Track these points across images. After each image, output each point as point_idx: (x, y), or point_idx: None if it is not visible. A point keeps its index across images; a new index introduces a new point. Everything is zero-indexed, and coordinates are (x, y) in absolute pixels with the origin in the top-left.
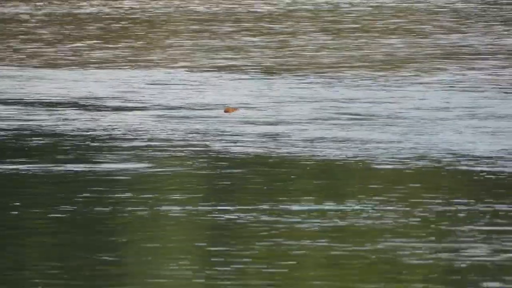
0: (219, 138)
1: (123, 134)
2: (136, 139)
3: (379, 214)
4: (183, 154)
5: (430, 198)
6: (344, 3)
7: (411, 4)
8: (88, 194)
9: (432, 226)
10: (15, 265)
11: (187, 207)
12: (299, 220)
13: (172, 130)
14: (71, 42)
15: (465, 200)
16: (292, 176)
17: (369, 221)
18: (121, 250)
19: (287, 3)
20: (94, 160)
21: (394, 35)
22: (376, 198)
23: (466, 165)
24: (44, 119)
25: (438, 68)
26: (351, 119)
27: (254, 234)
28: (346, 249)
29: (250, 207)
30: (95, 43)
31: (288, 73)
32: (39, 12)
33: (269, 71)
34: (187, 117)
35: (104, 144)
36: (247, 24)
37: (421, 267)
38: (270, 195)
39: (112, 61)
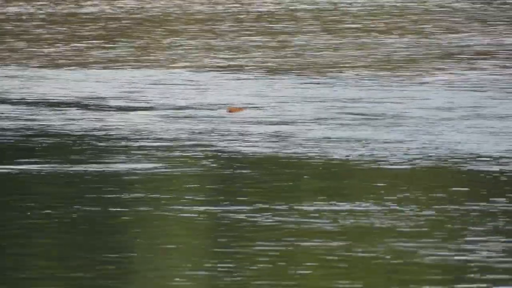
0: (226, 138)
1: (130, 134)
2: (143, 139)
3: (391, 215)
4: (191, 154)
5: (441, 198)
6: (345, 2)
7: (411, 4)
8: (98, 195)
9: (445, 226)
10: (19, 266)
11: (198, 208)
12: (312, 220)
13: (178, 130)
14: (72, 41)
15: (476, 201)
16: (305, 177)
17: (381, 221)
18: (130, 250)
19: (288, 2)
20: (103, 160)
21: (394, 35)
22: (387, 198)
23: (473, 165)
24: (49, 119)
25: (439, 68)
26: (356, 119)
27: (266, 235)
28: (359, 249)
29: (262, 207)
30: (96, 42)
31: (290, 72)
32: (40, 12)
33: (271, 71)
34: (192, 117)
35: (111, 144)
36: (248, 23)
37: (434, 268)
38: (282, 195)
39: (114, 61)
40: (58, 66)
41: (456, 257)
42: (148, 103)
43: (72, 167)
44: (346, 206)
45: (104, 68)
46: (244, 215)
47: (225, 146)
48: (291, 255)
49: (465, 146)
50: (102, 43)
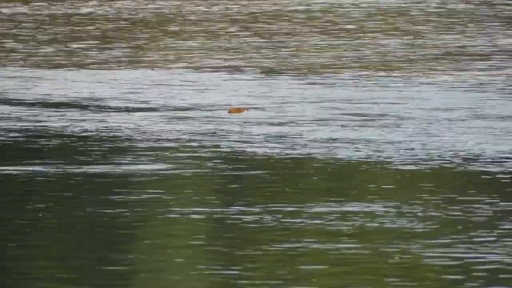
0: (229, 139)
1: (132, 135)
2: (146, 140)
3: (400, 216)
4: (197, 155)
5: (450, 199)
6: (340, 3)
7: (407, 5)
8: (104, 196)
9: (453, 227)
10: (20, 267)
11: (205, 209)
12: (322, 221)
13: (181, 131)
14: (70, 42)
15: (483, 202)
16: (314, 178)
17: (391, 222)
18: (136, 252)
19: (283, 3)
20: (107, 161)
21: (390, 36)
22: (395, 199)
23: (477, 166)
24: (50, 120)
25: (435, 69)
26: (357, 119)
27: (275, 237)
28: (369, 250)
29: (271, 209)
30: (93, 43)
31: (287, 73)
32: (38, 12)
33: (268, 72)
34: (194, 118)
35: (115, 146)
36: (244, 24)
37: (444, 269)
38: (289, 197)
39: (111, 61)
40: (55, 66)
41: (465, 259)
42: (148, 103)
43: (77, 168)
44: (354, 207)
45: (102, 68)
46: (252, 216)
47: (230, 147)
48: (300, 256)
49: (467, 147)
50: (99, 44)
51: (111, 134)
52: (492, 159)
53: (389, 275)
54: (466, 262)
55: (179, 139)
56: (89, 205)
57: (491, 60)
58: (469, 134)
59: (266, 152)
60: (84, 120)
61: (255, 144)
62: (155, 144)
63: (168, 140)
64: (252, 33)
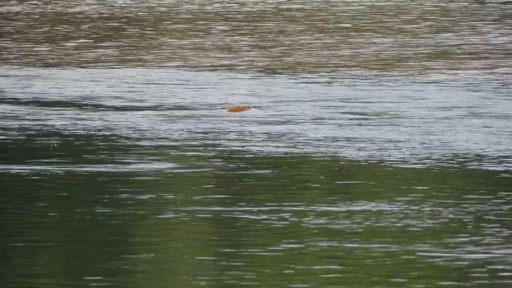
0: (231, 137)
1: (134, 135)
2: (148, 139)
3: (407, 215)
4: (201, 154)
5: (456, 199)
6: (336, 2)
7: (402, 3)
8: (109, 195)
9: (459, 226)
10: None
11: (211, 208)
12: (328, 221)
13: (180, 130)
14: (64, 41)
15: (487, 201)
16: (326, 177)
17: (398, 222)
18: (141, 251)
19: (278, 2)
20: (110, 160)
21: (384, 34)
22: (406, 198)
23: (478, 164)
24: (50, 119)
25: (430, 68)
26: (355, 118)
27: (281, 236)
28: (376, 249)
29: (276, 208)
30: (87, 42)
31: (283, 72)
32: (33, 11)
33: (263, 70)
34: (192, 117)
35: (118, 144)
36: (238, 23)
37: (451, 268)
38: (296, 196)
39: (106, 60)
40: (50, 65)
41: (473, 257)
42: (145, 102)
43: (82, 167)
44: (359, 206)
45: (96, 67)
46: (257, 216)
47: (232, 146)
48: (306, 255)
49: (466, 146)
50: (92, 43)
51: (112, 133)
52: (491, 157)
53: (396, 274)
54: (476, 261)
55: (180, 138)
56: (93, 204)
57: (484, 59)
58: (468, 133)
59: (269, 151)
60: (83, 119)
61: (256, 143)
62: (157, 143)
63: (170, 139)
64: (245, 31)
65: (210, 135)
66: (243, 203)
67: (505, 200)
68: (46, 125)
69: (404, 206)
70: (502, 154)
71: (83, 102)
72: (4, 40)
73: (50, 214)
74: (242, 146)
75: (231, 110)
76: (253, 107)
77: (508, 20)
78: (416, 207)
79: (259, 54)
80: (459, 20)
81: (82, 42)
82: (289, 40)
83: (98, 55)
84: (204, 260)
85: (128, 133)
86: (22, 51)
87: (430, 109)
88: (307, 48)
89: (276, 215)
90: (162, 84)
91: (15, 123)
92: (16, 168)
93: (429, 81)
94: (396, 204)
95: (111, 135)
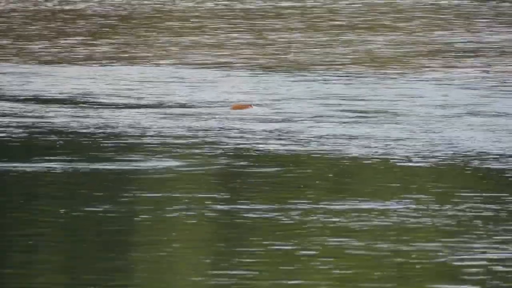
0: (234, 135)
1: (136, 132)
2: (149, 136)
3: (415, 214)
4: (205, 152)
5: (464, 197)
6: (331, 0)
7: (398, 1)
8: (114, 193)
9: (468, 225)
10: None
11: (217, 206)
12: (334, 219)
13: (182, 127)
14: (61, 38)
15: (492, 199)
16: (330, 175)
17: (406, 220)
18: (142, 249)
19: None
20: (114, 158)
21: (379, 32)
22: (413, 196)
23: (480, 163)
24: (51, 116)
25: (426, 66)
26: (356, 116)
27: (287, 233)
28: (387, 248)
29: (281, 206)
30: (83, 39)
31: (279, 70)
32: (29, 8)
33: (260, 68)
34: (192, 115)
35: (119, 142)
36: (234, 20)
37: (461, 267)
38: (301, 194)
39: (102, 58)
40: (46, 62)
41: (486, 256)
42: (143, 100)
43: (87, 165)
44: (368, 205)
45: (93, 65)
46: (265, 213)
47: (235, 144)
48: (312, 253)
49: (469, 144)
50: (88, 40)
51: (114, 131)
52: (493, 156)
53: (404, 272)
54: (487, 259)
55: (182, 136)
56: (96, 202)
57: (479, 57)
58: (469, 131)
59: (272, 149)
60: (83, 116)
61: (259, 141)
62: (160, 141)
63: (172, 137)
64: (241, 29)
65: (212, 133)
66: (248, 201)
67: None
68: (47, 123)
69: (411, 204)
70: (503, 152)
71: (82, 100)
72: (0, 38)
73: (51, 212)
74: (245, 144)
75: (235, 107)
76: (254, 105)
77: (502, 18)
78: (424, 206)
79: (254, 51)
80: (453, 18)
81: (77, 40)
82: (284, 38)
83: (94, 53)
84: (207, 259)
85: (130, 131)
86: (16, 48)
87: (429, 107)
88: (302, 46)
89: (281, 213)
90: (159, 81)
91: (16, 121)
92: (19, 166)
93: (426, 79)
94: (403, 202)
95: (113, 133)
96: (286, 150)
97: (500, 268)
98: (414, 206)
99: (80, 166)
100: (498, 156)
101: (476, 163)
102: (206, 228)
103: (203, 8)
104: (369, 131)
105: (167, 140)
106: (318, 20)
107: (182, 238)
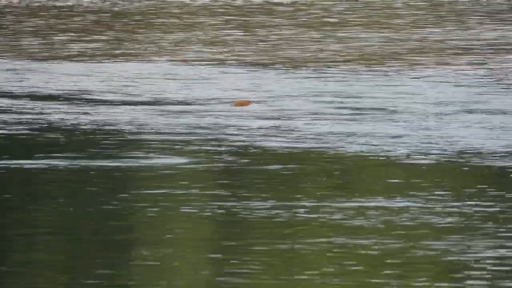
0: (233, 132)
1: (133, 129)
2: (149, 133)
3: (421, 211)
4: (201, 149)
5: (468, 195)
6: None
7: None
8: (117, 190)
9: (473, 224)
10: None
11: (220, 203)
12: (339, 216)
13: (181, 124)
14: (53, 34)
15: (495, 197)
16: (336, 172)
17: (411, 218)
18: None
19: None
20: (117, 155)
21: (372, 29)
22: (418, 194)
23: (481, 161)
24: (49, 113)
25: (421, 63)
26: (354, 113)
27: (290, 232)
28: (392, 246)
29: (285, 204)
30: (76, 35)
31: (273, 67)
32: (21, 4)
33: (254, 65)
34: (189, 112)
35: (119, 139)
36: (227, 17)
37: (470, 265)
38: (304, 191)
39: (96, 54)
40: (39, 59)
41: (492, 254)
42: (139, 97)
43: (89, 162)
44: (370, 202)
45: (85, 61)
46: (267, 211)
47: (235, 141)
48: (318, 251)
49: (467, 141)
50: (81, 37)
51: (113, 128)
52: (493, 154)
53: (409, 271)
54: (493, 258)
55: (182, 133)
56: (99, 200)
57: (473, 55)
58: (466, 129)
59: (272, 146)
60: (81, 113)
61: (259, 138)
62: (159, 138)
63: (172, 134)
64: (234, 25)
65: (211, 130)
66: (251, 199)
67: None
68: (45, 119)
69: (415, 202)
70: (503, 150)
71: (79, 96)
72: None
73: (52, 211)
74: (246, 141)
75: (237, 104)
76: (251, 102)
77: (495, 15)
78: (429, 204)
79: (248, 48)
80: (446, 15)
81: (70, 36)
82: (277, 34)
83: (86, 49)
84: (209, 257)
85: (129, 128)
86: (9, 44)
87: (426, 104)
88: (295, 42)
89: (284, 211)
90: (155, 78)
91: (14, 117)
92: (19, 164)
93: (420, 77)
94: (407, 200)
95: (113, 130)
96: (286, 147)
97: (505, 267)
98: (418, 204)
99: (83, 163)
100: (498, 154)
101: (477, 160)
102: (208, 226)
103: (195, 4)
104: (368, 129)
105: (166, 137)
106: (310, 17)
107: (183, 236)
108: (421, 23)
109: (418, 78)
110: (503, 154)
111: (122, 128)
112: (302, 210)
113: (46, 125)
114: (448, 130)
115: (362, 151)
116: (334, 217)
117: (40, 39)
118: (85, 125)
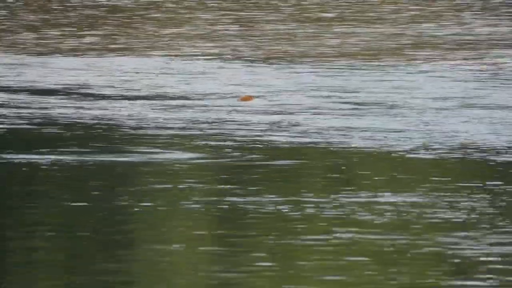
0: (236, 127)
1: (135, 124)
2: (151, 128)
3: (429, 206)
4: (208, 144)
5: (471, 190)
6: None
7: None
8: (120, 187)
9: (486, 217)
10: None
11: (225, 199)
12: (347, 211)
13: (181, 119)
14: (48, 29)
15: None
16: (348, 167)
17: (421, 213)
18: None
19: None
20: (122, 150)
21: (369, 24)
22: (420, 189)
23: (483, 155)
24: (49, 108)
25: (418, 58)
26: (355, 108)
27: (299, 227)
28: (400, 241)
29: (295, 199)
30: (72, 30)
31: (272, 62)
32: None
33: (251, 60)
34: (189, 106)
35: (122, 134)
36: (223, 11)
37: (478, 260)
38: (312, 186)
39: (92, 49)
40: (36, 53)
41: (496, 251)
42: (138, 92)
43: (94, 157)
44: (378, 197)
45: (82, 55)
46: (274, 207)
47: (240, 136)
48: (327, 247)
49: (469, 136)
50: (76, 31)
51: (115, 122)
52: (498, 149)
53: (418, 266)
54: (501, 254)
55: (185, 128)
56: (103, 196)
57: (468, 50)
58: (468, 124)
59: (278, 141)
60: (81, 108)
61: (263, 133)
62: (163, 133)
63: (175, 129)
64: (230, 20)
65: (212, 125)
66: (258, 195)
67: None
68: (46, 114)
69: (423, 197)
70: (506, 145)
71: (78, 91)
72: None
73: (52, 207)
74: (250, 137)
75: (243, 99)
76: (254, 97)
77: (490, 10)
78: (436, 199)
79: (243, 43)
80: (441, 10)
81: (65, 31)
82: (274, 29)
83: (82, 44)
84: (213, 253)
85: (130, 123)
86: (4, 39)
87: (426, 99)
88: (291, 37)
89: (292, 206)
90: (153, 73)
91: (14, 111)
92: (20, 158)
93: (418, 71)
94: (413, 195)
95: (115, 125)
96: (289, 142)
97: None
98: (425, 199)
99: (84, 158)
100: (502, 149)
101: (481, 155)
102: (210, 222)
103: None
104: (369, 123)
105: (168, 132)
106: (306, 12)
107: (186, 232)
108: (418, 18)
109: (415, 73)
110: (506, 148)
111: (124, 123)
112: (307, 205)
113: (46, 119)
114: (448, 125)
115: (365, 146)
116: (340, 212)
117: (35, 33)
118: (86, 119)
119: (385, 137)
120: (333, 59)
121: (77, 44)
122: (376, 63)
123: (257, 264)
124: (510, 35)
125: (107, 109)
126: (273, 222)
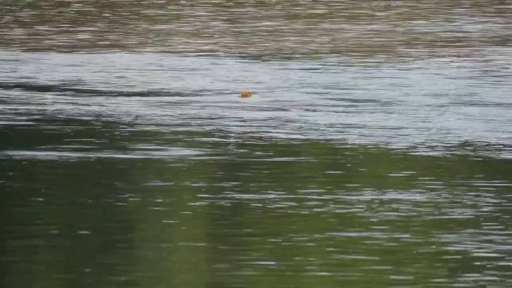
0: (235, 123)
1: (132, 120)
2: (149, 124)
3: (434, 203)
4: (205, 140)
5: (475, 186)
6: None
7: None
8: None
9: (491, 215)
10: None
11: (230, 195)
12: (353, 209)
13: (180, 116)
14: (41, 25)
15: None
16: (348, 165)
17: (422, 211)
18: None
19: None
20: (122, 147)
21: (362, 21)
22: (425, 187)
23: (484, 152)
24: (44, 103)
25: (410, 55)
26: (350, 105)
27: (304, 224)
28: (404, 239)
29: (297, 196)
30: (65, 27)
31: (263, 58)
32: None
33: (243, 56)
34: (185, 103)
35: (119, 130)
36: (215, 8)
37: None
38: (314, 183)
39: (84, 45)
40: (28, 50)
41: (500, 247)
42: (133, 88)
43: (101, 154)
44: (380, 195)
45: (74, 52)
46: (276, 204)
47: (241, 133)
48: (329, 245)
49: (467, 134)
50: (69, 28)
51: (112, 119)
52: (495, 145)
53: (422, 264)
54: (503, 251)
55: (183, 124)
56: (103, 193)
57: (460, 47)
58: (464, 121)
59: (278, 138)
60: (77, 104)
61: (262, 130)
62: (159, 129)
63: (172, 125)
64: (221, 17)
65: (213, 122)
66: (259, 192)
67: None
68: (42, 110)
69: (426, 194)
70: (504, 142)
71: (73, 88)
72: None
73: (52, 207)
74: (246, 133)
75: (243, 95)
76: (252, 93)
77: (480, 8)
78: (441, 197)
79: (235, 40)
80: (432, 7)
81: (58, 27)
82: (264, 26)
83: (76, 40)
84: (215, 249)
85: (129, 120)
86: (2, 36)
87: (418, 96)
88: (282, 34)
89: (294, 203)
90: (147, 69)
91: (11, 108)
92: (19, 155)
93: (411, 68)
94: (416, 192)
95: (112, 121)
96: (287, 139)
97: None
98: (429, 197)
99: (84, 155)
100: (503, 146)
101: (482, 153)
102: (213, 220)
103: None
104: (364, 120)
105: (167, 129)
106: (296, 8)
107: (186, 230)
108: (408, 15)
109: (408, 70)
110: (507, 145)
111: (121, 119)
112: (310, 203)
113: (44, 116)
114: (445, 122)
115: (364, 143)
116: (342, 210)
117: (27, 30)
118: (84, 116)
119: (382, 134)
120: (323, 55)
121: (70, 40)
122: (368, 60)
123: (257, 263)
124: (501, 32)
125: (104, 106)
126: (274, 221)
